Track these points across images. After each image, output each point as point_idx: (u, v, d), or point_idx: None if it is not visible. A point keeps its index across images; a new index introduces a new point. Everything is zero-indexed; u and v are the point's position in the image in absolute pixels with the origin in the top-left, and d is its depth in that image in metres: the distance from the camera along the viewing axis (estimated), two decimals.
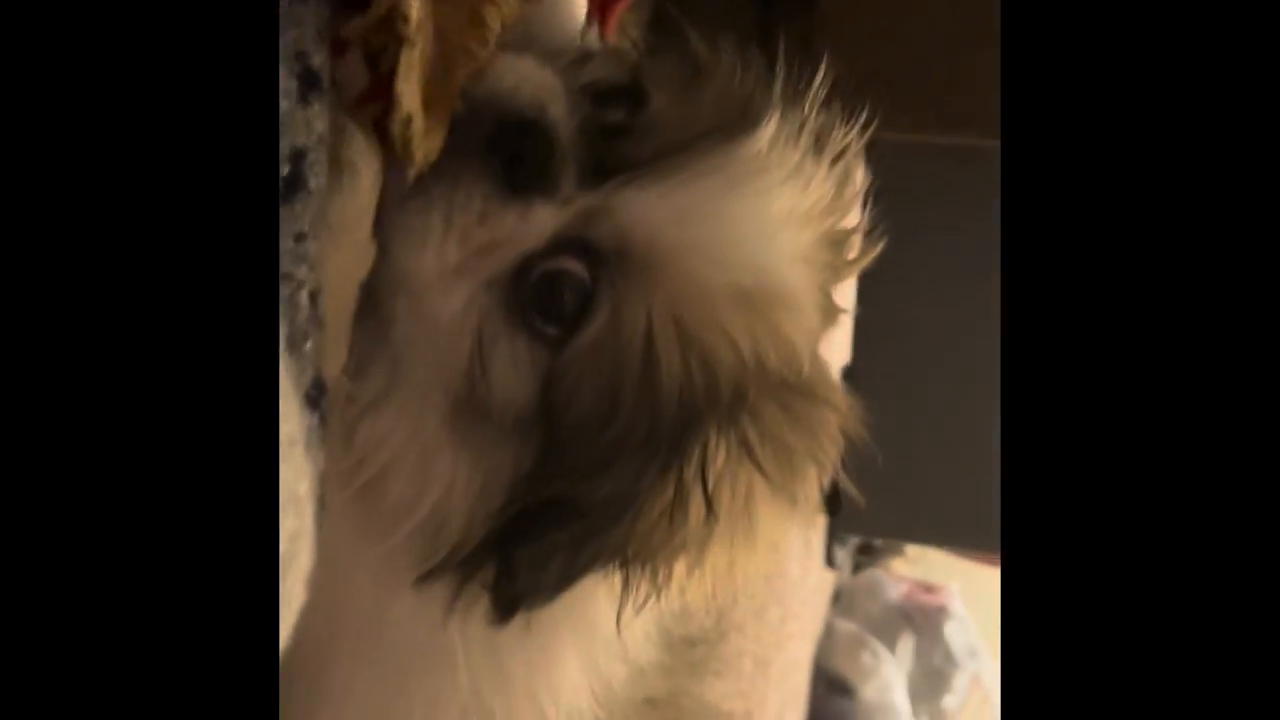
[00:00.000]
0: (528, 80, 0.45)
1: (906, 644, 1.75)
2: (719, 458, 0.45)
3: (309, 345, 0.41)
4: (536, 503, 0.44)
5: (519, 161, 0.44)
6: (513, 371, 0.44)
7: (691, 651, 0.59)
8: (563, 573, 0.45)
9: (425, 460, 0.45)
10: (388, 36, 0.43)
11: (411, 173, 0.44)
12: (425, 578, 0.45)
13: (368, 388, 0.45)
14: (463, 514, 0.45)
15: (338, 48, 0.44)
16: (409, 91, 0.42)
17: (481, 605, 0.45)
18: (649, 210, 0.43)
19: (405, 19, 0.42)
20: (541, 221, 0.44)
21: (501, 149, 0.44)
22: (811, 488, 0.48)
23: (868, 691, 1.59)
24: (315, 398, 0.41)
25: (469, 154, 0.44)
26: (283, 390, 0.35)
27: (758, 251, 0.44)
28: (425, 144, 0.44)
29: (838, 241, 0.49)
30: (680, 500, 0.45)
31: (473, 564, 0.45)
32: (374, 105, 0.45)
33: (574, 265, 0.44)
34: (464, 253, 0.44)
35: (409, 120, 0.42)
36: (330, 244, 0.44)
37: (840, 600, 1.80)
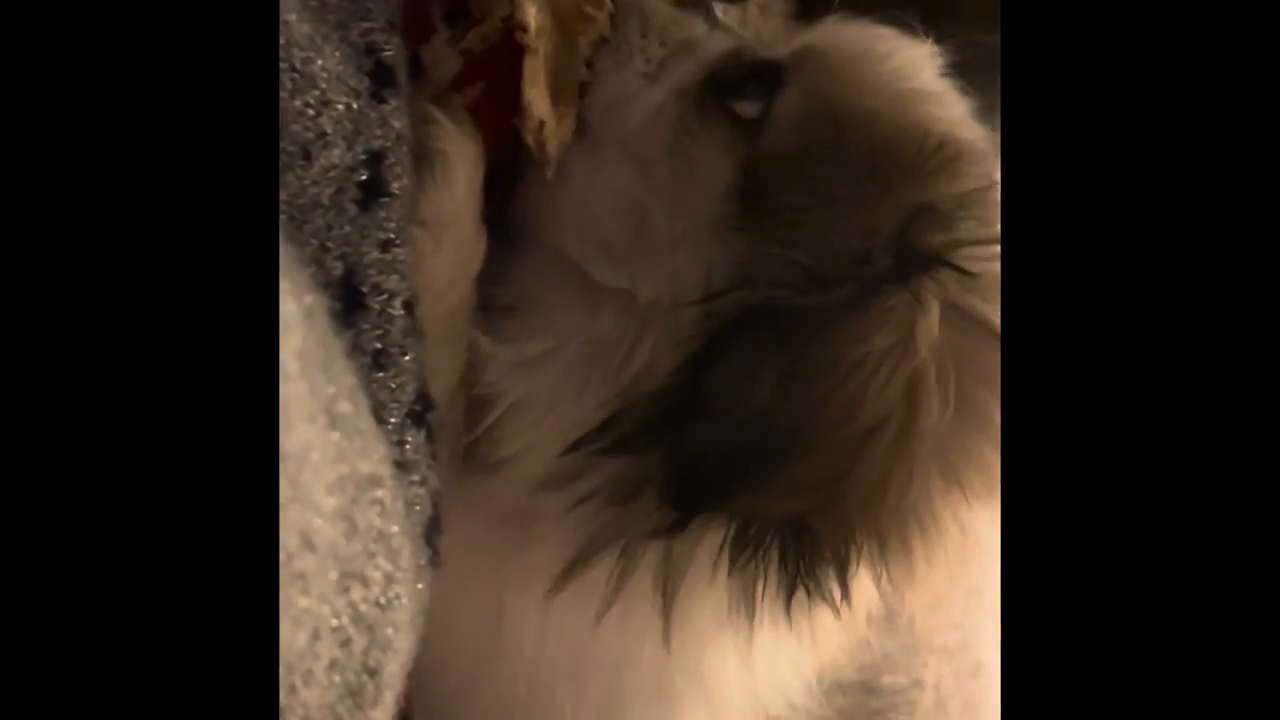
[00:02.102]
0: None
1: None
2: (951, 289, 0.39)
3: (407, 359, 0.38)
4: (736, 317, 0.39)
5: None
6: (713, 156, 0.43)
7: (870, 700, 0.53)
8: (770, 398, 0.38)
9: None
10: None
11: (549, 172, 0.43)
12: (572, 448, 0.40)
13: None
14: (646, 352, 0.41)
15: (419, 34, 0.41)
16: (538, 96, 0.42)
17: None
18: (827, 32, 0.46)
19: (524, 28, 0.41)
20: (723, 38, 0.47)
21: None
22: None
23: None
24: (421, 413, 0.39)
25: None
26: (363, 419, 0.32)
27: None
28: (560, 132, 0.43)
29: None
30: (912, 324, 0.37)
31: (654, 433, 0.39)
32: (469, 89, 0.43)
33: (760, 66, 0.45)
34: (664, 51, 0.46)
35: (541, 126, 0.42)
36: (429, 244, 0.41)
37: None
